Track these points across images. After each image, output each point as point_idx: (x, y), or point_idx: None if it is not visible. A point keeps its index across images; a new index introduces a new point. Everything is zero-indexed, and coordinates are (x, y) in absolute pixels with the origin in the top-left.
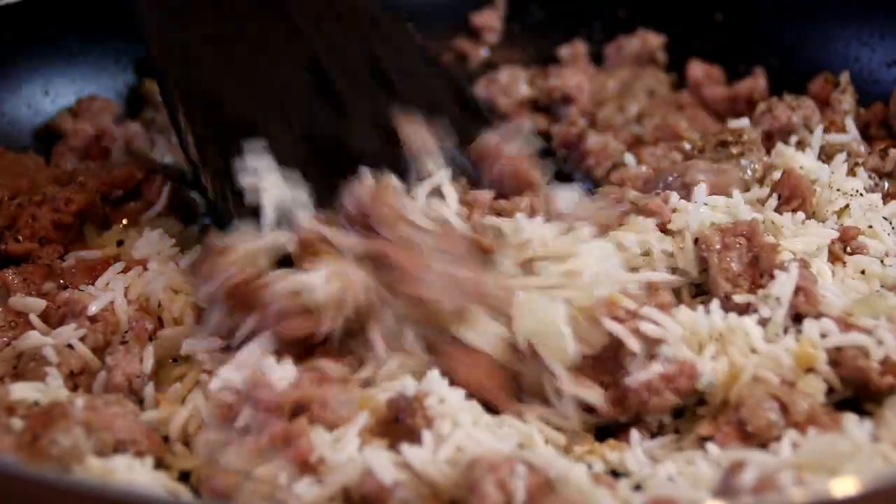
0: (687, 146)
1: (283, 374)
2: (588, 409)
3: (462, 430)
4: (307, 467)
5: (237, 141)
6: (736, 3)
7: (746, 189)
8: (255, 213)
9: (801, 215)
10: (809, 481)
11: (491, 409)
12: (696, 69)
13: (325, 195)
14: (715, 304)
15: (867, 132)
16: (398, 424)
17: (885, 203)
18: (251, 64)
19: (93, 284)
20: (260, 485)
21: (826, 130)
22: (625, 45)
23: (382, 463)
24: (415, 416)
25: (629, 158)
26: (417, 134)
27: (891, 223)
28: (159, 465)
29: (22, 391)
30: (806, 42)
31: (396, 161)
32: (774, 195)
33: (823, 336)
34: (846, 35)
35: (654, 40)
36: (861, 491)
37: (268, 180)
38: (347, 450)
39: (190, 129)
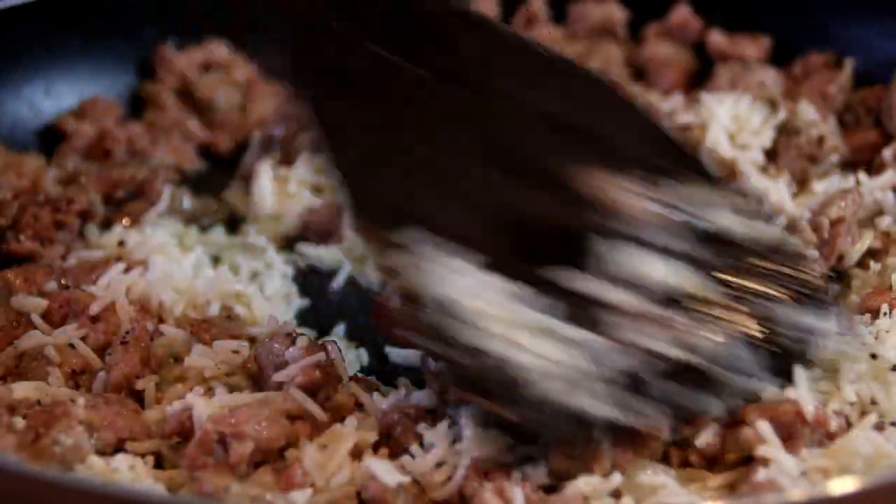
0: None
1: (208, 408)
2: None
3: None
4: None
5: (396, 229)
6: (733, 2)
7: None
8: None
9: None
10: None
11: None
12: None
13: (514, 274)
14: None
15: (847, 114)
16: (391, 440)
17: None
18: (413, 147)
19: (94, 284)
20: (250, 488)
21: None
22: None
23: (385, 468)
24: (406, 434)
25: None
26: (608, 192)
27: None
28: (160, 464)
29: (23, 390)
30: (805, 42)
31: (588, 226)
32: None
33: None
34: (844, 35)
35: (618, 14)
36: (860, 489)
37: (431, 261)
38: (341, 468)
39: (356, 219)
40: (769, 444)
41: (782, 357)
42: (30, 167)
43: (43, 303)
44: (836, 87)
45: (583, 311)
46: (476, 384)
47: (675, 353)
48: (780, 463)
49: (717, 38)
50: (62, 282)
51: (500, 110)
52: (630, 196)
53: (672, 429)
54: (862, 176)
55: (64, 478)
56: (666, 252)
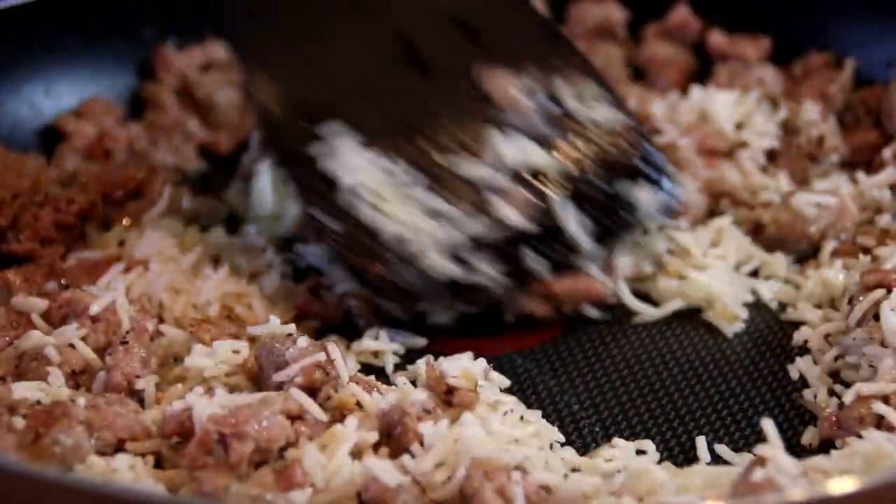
0: None
1: (208, 408)
2: None
3: (457, 440)
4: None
5: (313, 124)
6: (734, 3)
7: None
8: (327, 182)
9: None
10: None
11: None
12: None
13: (414, 163)
14: None
15: (848, 114)
16: (392, 439)
17: None
18: (324, 43)
19: (94, 284)
20: (250, 488)
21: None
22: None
23: (385, 468)
24: (407, 433)
25: None
26: (505, 88)
27: None
28: (160, 464)
29: (24, 390)
30: (805, 42)
31: (485, 119)
32: None
33: None
34: (845, 35)
35: (618, 15)
36: (860, 489)
37: (344, 150)
38: (341, 468)
39: (261, 117)
40: (769, 444)
41: (610, 227)
42: (30, 167)
43: (43, 303)
44: (837, 86)
45: (449, 185)
46: (363, 251)
47: (518, 220)
48: (778, 462)
49: (717, 38)
50: (62, 282)
51: (405, 10)
52: (513, 89)
53: (506, 286)
54: (860, 175)
55: (64, 478)
56: (526, 134)
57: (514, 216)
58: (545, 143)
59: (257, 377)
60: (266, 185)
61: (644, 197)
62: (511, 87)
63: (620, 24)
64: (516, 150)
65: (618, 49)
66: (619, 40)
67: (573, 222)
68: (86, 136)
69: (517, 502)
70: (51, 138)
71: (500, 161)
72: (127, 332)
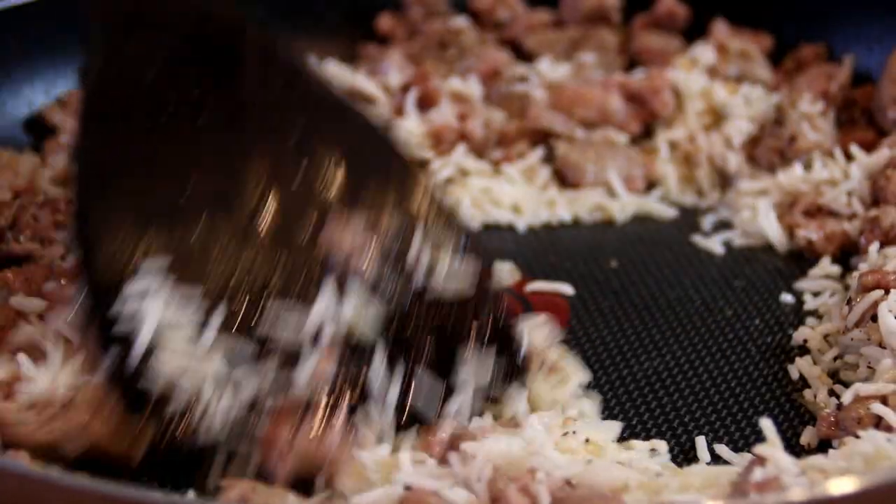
0: None
1: None
2: None
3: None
4: None
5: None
6: (734, 1)
7: None
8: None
9: None
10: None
11: None
12: None
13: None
14: None
15: (848, 111)
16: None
17: None
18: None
19: None
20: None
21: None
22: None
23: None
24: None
25: None
26: (350, 240)
27: None
28: None
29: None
30: (804, 41)
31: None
32: None
33: None
34: (844, 35)
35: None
36: (860, 489)
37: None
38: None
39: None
40: (768, 444)
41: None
42: (26, 167)
43: (43, 303)
44: (837, 84)
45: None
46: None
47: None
48: (777, 462)
49: (722, 30)
50: (62, 282)
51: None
52: (357, 239)
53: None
54: (855, 149)
55: (64, 478)
56: (363, 287)
57: (310, 377)
58: (382, 298)
59: None
60: None
61: (483, 365)
62: (356, 238)
63: (615, 9)
64: (345, 305)
65: (612, 36)
66: (614, 26)
67: (390, 386)
68: (72, 131)
69: (542, 499)
70: (39, 130)
71: (326, 314)
72: None
